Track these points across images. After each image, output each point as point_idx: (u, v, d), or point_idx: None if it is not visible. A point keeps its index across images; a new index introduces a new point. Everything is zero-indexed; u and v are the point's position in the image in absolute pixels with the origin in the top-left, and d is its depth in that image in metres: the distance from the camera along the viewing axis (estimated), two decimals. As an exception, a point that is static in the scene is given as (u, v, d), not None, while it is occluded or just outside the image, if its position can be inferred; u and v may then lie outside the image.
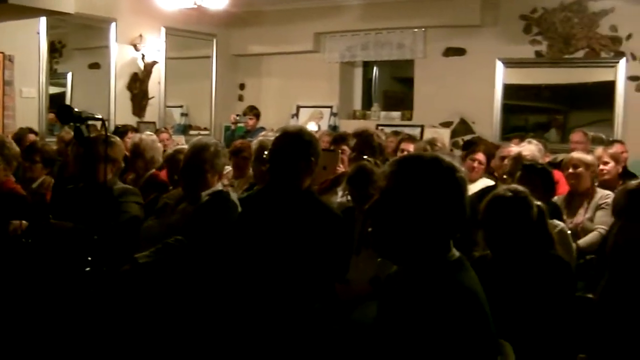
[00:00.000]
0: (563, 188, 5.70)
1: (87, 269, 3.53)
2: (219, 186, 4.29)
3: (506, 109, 9.94)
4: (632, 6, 8.83)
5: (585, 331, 3.24)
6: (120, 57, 10.53)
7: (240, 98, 12.39)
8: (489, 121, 9.93)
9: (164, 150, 6.38)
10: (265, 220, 3.66)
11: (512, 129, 9.81)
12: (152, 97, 11.01)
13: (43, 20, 9.26)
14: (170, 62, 11.26)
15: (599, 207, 5.43)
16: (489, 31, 9.85)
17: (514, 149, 6.16)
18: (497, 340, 2.18)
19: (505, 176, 5.39)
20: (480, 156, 6.37)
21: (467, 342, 1.95)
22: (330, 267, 3.63)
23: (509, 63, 9.82)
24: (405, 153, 5.96)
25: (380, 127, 9.54)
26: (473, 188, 5.55)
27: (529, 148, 6.06)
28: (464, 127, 10.14)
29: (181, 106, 12.27)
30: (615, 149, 6.76)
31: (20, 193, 5.02)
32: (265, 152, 3.88)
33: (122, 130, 8.32)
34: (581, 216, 5.47)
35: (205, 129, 11.89)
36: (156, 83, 11.07)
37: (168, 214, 4.29)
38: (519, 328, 3.05)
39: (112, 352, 3.80)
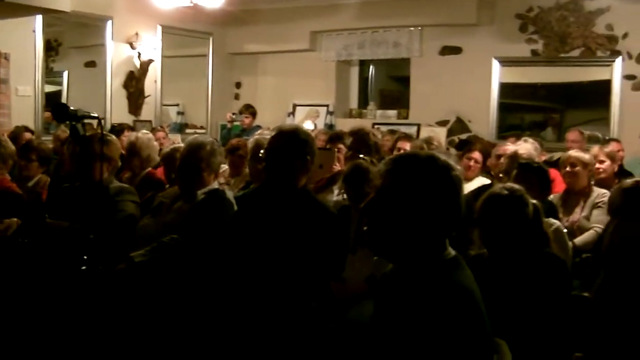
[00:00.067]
0: (559, 186, 5.71)
1: (83, 267, 3.53)
2: (215, 185, 4.29)
3: (502, 107, 9.95)
4: (628, 5, 8.84)
5: (581, 329, 3.24)
6: (117, 55, 10.52)
7: (237, 96, 12.39)
8: (485, 120, 9.93)
9: (160, 149, 6.38)
10: (261, 218, 3.66)
11: (508, 128, 9.82)
12: (148, 96, 11.00)
13: (39, 18, 9.24)
14: (167, 61, 11.25)
15: (595, 206, 5.43)
16: (485, 30, 9.86)
17: (510, 147, 6.17)
18: (493, 338, 2.18)
19: (501, 175, 5.39)
20: (477, 155, 6.39)
21: (463, 341, 1.95)
22: (326, 266, 3.63)
23: (505, 62, 9.83)
24: (402, 152, 5.96)
25: (376, 126, 9.56)
26: (469, 187, 5.56)
27: (525, 147, 6.07)
28: (460, 125, 10.14)
29: (177, 105, 12.26)
30: (611, 147, 6.78)
31: (16, 192, 5.01)
32: (262, 151, 3.88)
33: (118, 129, 8.31)
34: (577, 215, 5.47)
35: (201, 127, 11.88)
36: (152, 81, 11.06)
37: (164, 213, 4.29)
38: (515, 326, 3.05)
39: (108, 351, 3.80)
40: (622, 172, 6.67)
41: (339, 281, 4.01)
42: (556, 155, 7.27)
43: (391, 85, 11.94)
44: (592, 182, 5.69)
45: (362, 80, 11.81)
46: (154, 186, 5.39)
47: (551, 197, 5.28)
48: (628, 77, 8.96)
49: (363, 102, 11.64)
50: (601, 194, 5.45)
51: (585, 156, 5.68)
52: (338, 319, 3.86)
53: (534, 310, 3.31)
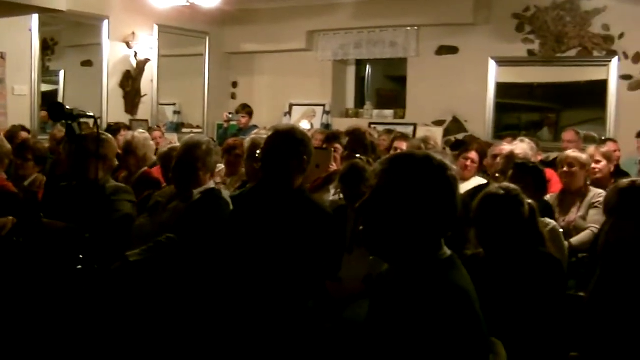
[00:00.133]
0: (555, 186, 5.72)
1: (79, 267, 3.52)
2: (211, 184, 4.29)
3: (499, 107, 9.95)
4: (624, 5, 8.86)
5: (577, 329, 3.25)
6: (113, 54, 10.51)
7: (233, 96, 12.38)
8: (481, 120, 9.94)
9: (157, 149, 6.38)
10: (257, 218, 3.66)
11: (504, 128, 9.82)
12: (145, 95, 10.99)
13: (35, 17, 9.23)
14: (163, 60, 11.24)
15: (591, 206, 5.43)
16: (482, 30, 9.86)
17: (506, 147, 6.17)
18: (489, 338, 2.18)
19: (497, 174, 5.40)
20: (473, 155, 6.39)
21: (459, 341, 1.94)
22: (322, 265, 3.63)
23: (502, 62, 9.84)
24: (399, 151, 5.96)
25: (372, 126, 9.56)
26: (466, 186, 5.57)
27: (521, 146, 6.07)
28: (456, 125, 10.14)
29: (174, 104, 12.25)
30: (608, 147, 6.77)
31: (11, 191, 5.01)
32: (258, 151, 3.88)
33: (114, 128, 8.31)
34: (574, 215, 5.47)
35: (197, 126, 11.88)
36: (149, 81, 11.05)
37: (160, 212, 4.29)
38: (511, 326, 3.06)
39: (104, 350, 3.80)
40: (619, 172, 6.67)
41: (335, 281, 4.01)
42: (552, 155, 7.28)
43: (388, 85, 11.93)
44: (589, 182, 5.70)
45: (359, 80, 11.80)
46: (150, 185, 5.39)
47: (548, 197, 5.28)
48: (624, 77, 8.96)
49: (360, 102, 11.63)
50: (598, 194, 5.45)
51: (583, 156, 5.68)
52: (334, 318, 3.86)
53: (529, 310, 3.31)
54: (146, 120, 10.77)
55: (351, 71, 11.79)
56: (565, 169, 5.59)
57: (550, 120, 9.79)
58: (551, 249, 3.69)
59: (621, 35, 8.92)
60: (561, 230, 4.74)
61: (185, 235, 3.96)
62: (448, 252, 2.13)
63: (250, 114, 10.20)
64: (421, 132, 9.49)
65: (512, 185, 3.58)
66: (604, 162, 6.23)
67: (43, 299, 3.96)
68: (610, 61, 9.04)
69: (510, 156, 5.47)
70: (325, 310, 3.85)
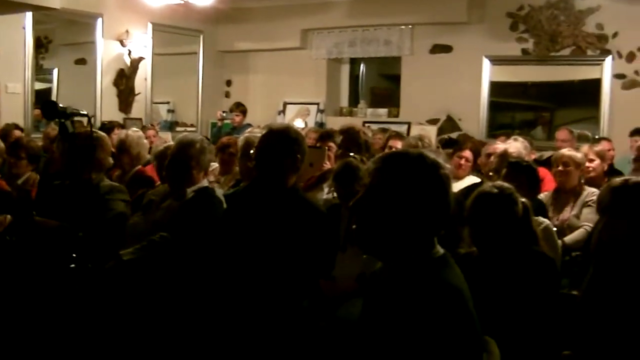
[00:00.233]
0: (548, 185, 5.72)
1: (72, 265, 3.51)
2: (204, 182, 4.29)
3: (493, 106, 9.97)
4: (618, 4, 8.88)
5: (570, 328, 3.25)
6: (107, 53, 10.51)
7: (227, 94, 12.38)
8: (475, 118, 9.96)
9: (150, 147, 6.36)
10: (250, 217, 3.66)
11: (498, 126, 9.84)
12: (139, 94, 10.99)
13: (29, 15, 9.22)
14: (157, 58, 11.24)
15: (585, 205, 5.44)
16: (476, 28, 9.88)
17: (500, 146, 6.17)
18: (482, 337, 2.18)
19: (491, 173, 5.40)
20: (467, 153, 6.40)
21: (452, 340, 1.94)
22: (315, 264, 3.63)
23: (496, 60, 9.85)
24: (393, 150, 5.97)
25: (367, 124, 9.55)
26: (460, 185, 5.57)
27: (515, 145, 6.07)
28: (450, 124, 10.16)
29: (168, 102, 12.24)
30: (602, 146, 6.79)
31: (5, 189, 4.99)
32: (252, 150, 3.88)
33: (108, 127, 8.30)
34: (568, 213, 5.48)
35: (191, 125, 11.88)
36: (142, 79, 11.04)
37: (153, 211, 4.28)
38: (505, 325, 3.06)
39: (98, 349, 3.79)
40: (612, 171, 6.68)
41: (328, 279, 4.01)
42: (546, 154, 7.29)
43: (382, 83, 11.94)
44: (583, 181, 5.70)
45: (353, 79, 11.81)
46: (144, 184, 5.38)
47: (541, 195, 5.29)
48: (618, 76, 8.99)
49: (354, 101, 11.64)
50: (592, 192, 5.45)
51: (578, 155, 5.68)
52: (328, 317, 3.86)
53: (523, 309, 3.31)
54: (140, 119, 10.76)
55: (345, 70, 11.80)
56: (560, 168, 5.59)
57: (544, 119, 9.81)
58: (544, 248, 3.70)
59: (615, 35, 8.95)
60: (555, 228, 4.74)
61: (178, 233, 3.96)
62: (441, 250, 2.13)
63: (244, 112, 10.20)
64: (415, 131, 9.48)
65: (506, 184, 3.58)
66: (597, 161, 6.24)
67: (36, 298, 3.95)
68: (604, 60, 9.06)
69: (504, 155, 5.48)
70: (319, 308, 3.85)
